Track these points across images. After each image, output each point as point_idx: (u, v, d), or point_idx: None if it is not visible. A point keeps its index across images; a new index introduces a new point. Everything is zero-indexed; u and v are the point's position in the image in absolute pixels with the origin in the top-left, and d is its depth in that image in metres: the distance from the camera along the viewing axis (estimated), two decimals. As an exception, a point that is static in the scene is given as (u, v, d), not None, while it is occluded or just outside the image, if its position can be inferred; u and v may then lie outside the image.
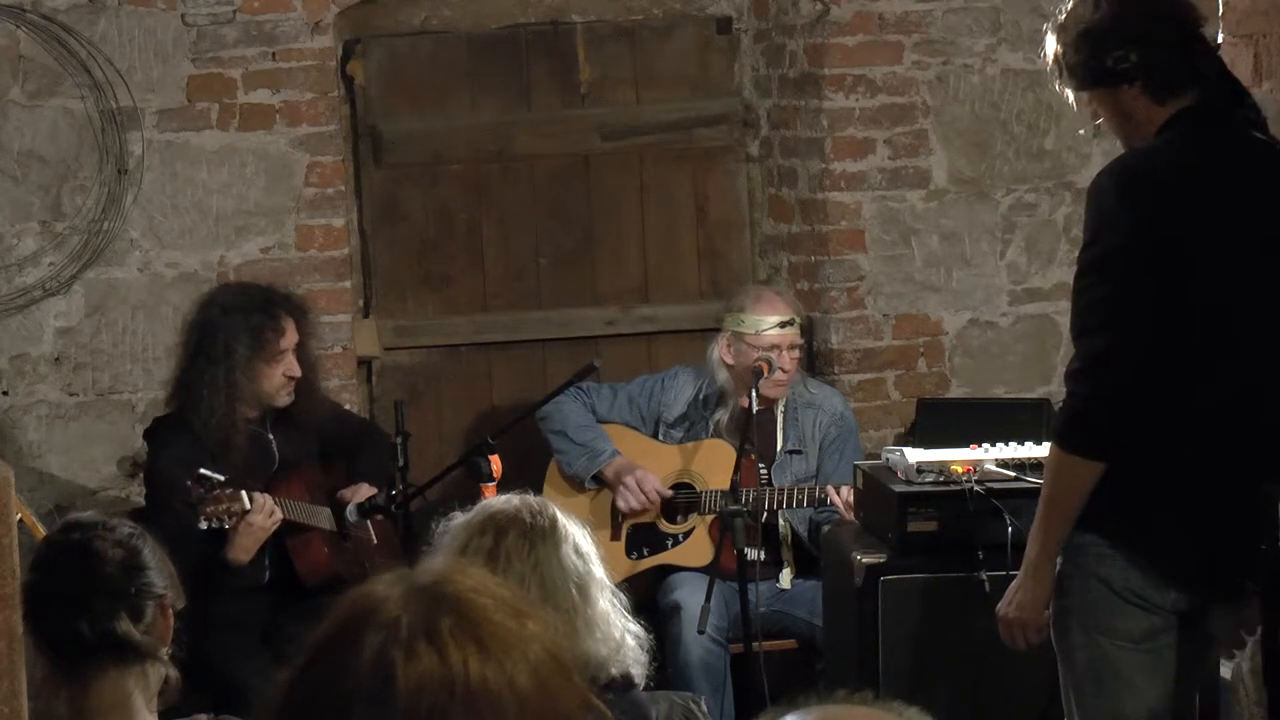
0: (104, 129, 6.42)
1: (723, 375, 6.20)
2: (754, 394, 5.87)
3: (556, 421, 6.28)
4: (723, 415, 6.22)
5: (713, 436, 6.22)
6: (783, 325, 6.16)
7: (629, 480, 6.20)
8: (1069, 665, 4.13)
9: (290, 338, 5.72)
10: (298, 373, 5.73)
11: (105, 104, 6.40)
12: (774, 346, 6.12)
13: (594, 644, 3.49)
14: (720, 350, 6.21)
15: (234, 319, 5.66)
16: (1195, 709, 4.36)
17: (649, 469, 6.24)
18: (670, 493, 6.25)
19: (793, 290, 6.95)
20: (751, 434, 5.84)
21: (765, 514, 6.06)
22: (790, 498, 6.02)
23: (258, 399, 5.70)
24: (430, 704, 1.66)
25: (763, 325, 6.14)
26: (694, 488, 6.25)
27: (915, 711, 1.72)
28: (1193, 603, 4.06)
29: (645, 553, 6.28)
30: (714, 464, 6.11)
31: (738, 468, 5.72)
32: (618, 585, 6.00)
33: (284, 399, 5.75)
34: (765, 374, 6.03)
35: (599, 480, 6.29)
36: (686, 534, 6.25)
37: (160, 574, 3.31)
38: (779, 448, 6.23)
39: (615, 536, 6.27)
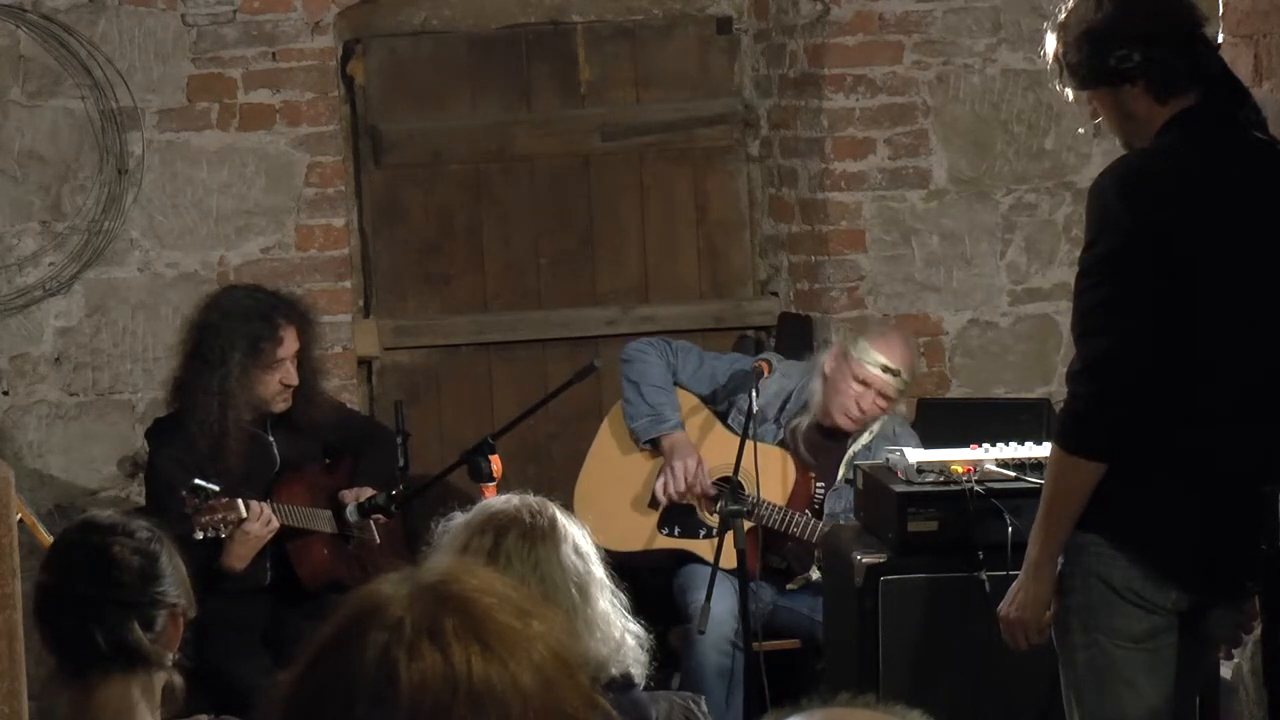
0: (104, 129, 6.42)
1: (815, 383, 6.14)
2: (753, 394, 5.82)
3: (635, 370, 6.20)
4: (802, 421, 6.14)
5: (782, 440, 6.12)
6: (886, 370, 6.00)
7: (677, 465, 6.12)
8: (1070, 665, 4.13)
9: (289, 347, 5.68)
10: (294, 381, 5.70)
11: (105, 104, 6.40)
12: (865, 382, 5.98)
13: (594, 644, 3.48)
14: (827, 359, 6.10)
15: (233, 325, 5.62)
16: (1195, 709, 4.36)
17: (706, 454, 6.16)
18: (713, 489, 6.14)
19: (792, 289, 6.96)
20: (751, 433, 5.80)
21: (804, 538, 6.01)
22: None
23: (253, 405, 5.67)
24: (433, 704, 1.66)
25: (869, 358, 5.99)
26: (743, 487, 6.12)
27: (918, 714, 1.71)
28: (1193, 603, 4.07)
29: (676, 532, 6.20)
30: (768, 470, 5.95)
31: (738, 466, 5.70)
32: (639, 552, 6.00)
33: (280, 405, 5.73)
34: (765, 374, 5.98)
35: (654, 444, 6.25)
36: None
37: (174, 582, 3.29)
38: (840, 475, 6.12)
39: (654, 505, 6.22)
